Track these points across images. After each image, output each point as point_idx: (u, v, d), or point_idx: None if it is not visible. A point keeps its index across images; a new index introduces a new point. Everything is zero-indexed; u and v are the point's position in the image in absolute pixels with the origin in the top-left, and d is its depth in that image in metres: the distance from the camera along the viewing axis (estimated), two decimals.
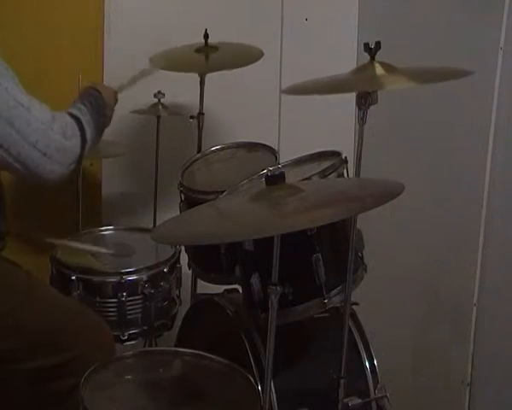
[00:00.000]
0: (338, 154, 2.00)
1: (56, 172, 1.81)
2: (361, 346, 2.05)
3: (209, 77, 2.47)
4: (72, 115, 1.88)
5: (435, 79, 1.89)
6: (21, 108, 1.75)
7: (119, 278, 2.18)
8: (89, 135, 1.89)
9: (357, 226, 1.85)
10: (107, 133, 2.62)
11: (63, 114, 1.87)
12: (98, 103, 1.99)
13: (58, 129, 1.80)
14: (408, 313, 2.63)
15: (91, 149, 1.94)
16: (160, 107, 2.52)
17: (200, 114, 2.51)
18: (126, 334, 2.20)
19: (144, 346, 2.31)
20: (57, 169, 1.81)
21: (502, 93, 2.23)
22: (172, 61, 2.41)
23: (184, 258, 2.30)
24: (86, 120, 1.91)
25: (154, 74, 2.38)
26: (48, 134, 1.78)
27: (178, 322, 2.30)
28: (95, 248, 2.30)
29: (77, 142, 1.85)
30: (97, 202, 2.71)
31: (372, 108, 1.79)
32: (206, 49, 2.41)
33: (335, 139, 2.39)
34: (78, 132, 1.86)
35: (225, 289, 2.20)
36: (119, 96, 2.16)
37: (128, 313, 2.19)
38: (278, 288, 1.60)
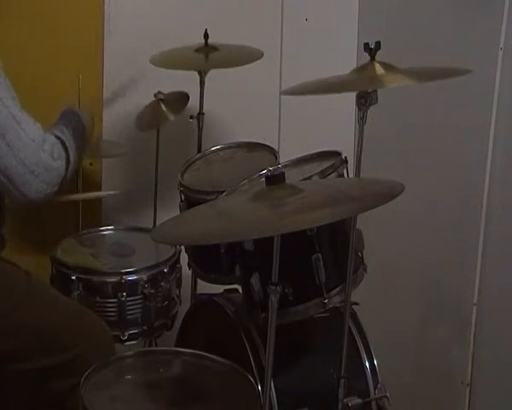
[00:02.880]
0: (338, 154, 2.00)
1: (42, 192, 1.78)
2: (361, 346, 2.05)
3: (209, 77, 2.47)
4: (57, 137, 1.86)
5: (435, 78, 1.90)
6: (13, 121, 1.73)
7: (119, 278, 2.18)
8: (72, 158, 1.87)
9: (357, 226, 1.85)
10: (108, 133, 2.64)
11: (50, 134, 1.84)
12: (78, 127, 1.98)
13: (47, 149, 1.78)
14: (408, 313, 2.63)
15: (71, 173, 1.92)
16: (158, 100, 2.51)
17: (200, 114, 2.51)
18: (126, 334, 2.20)
19: (144, 346, 2.30)
20: (43, 189, 1.78)
21: (502, 93, 2.23)
22: (172, 62, 2.41)
23: (184, 258, 2.29)
24: (70, 143, 1.89)
25: (153, 74, 2.39)
26: (37, 153, 1.76)
27: (178, 322, 2.30)
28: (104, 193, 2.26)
29: (62, 163, 1.82)
30: (97, 201, 2.71)
31: (372, 108, 1.79)
32: (206, 49, 2.41)
33: (335, 139, 2.39)
34: (63, 154, 1.84)
35: (225, 289, 2.20)
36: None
37: (128, 313, 2.19)
38: (278, 288, 1.60)
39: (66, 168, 1.84)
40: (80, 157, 1.99)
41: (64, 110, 2.04)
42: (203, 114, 2.51)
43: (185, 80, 2.47)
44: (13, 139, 1.73)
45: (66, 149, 1.85)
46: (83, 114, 2.06)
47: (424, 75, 1.85)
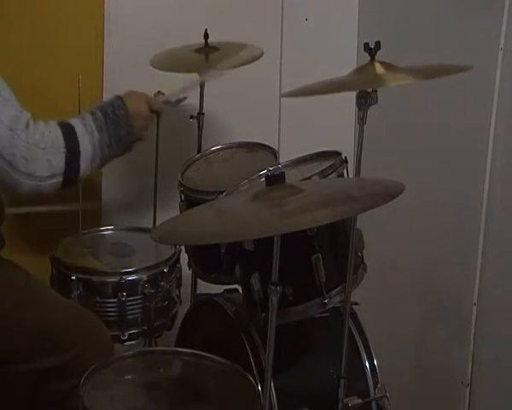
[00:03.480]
0: (338, 154, 2.00)
1: (26, 184, 1.73)
2: (361, 346, 2.06)
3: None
4: (63, 125, 1.81)
5: (435, 75, 1.90)
6: None
7: (119, 278, 2.18)
8: (87, 147, 1.82)
9: (357, 226, 1.85)
10: None
11: (49, 124, 1.79)
12: (116, 114, 1.92)
13: (28, 138, 1.72)
14: (408, 313, 2.63)
15: (103, 162, 1.87)
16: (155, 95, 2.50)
17: (200, 114, 2.51)
18: (126, 334, 2.20)
19: (144, 346, 2.30)
20: (27, 181, 1.73)
21: (502, 93, 2.23)
22: (172, 62, 2.41)
23: (184, 258, 2.29)
24: (88, 131, 1.84)
25: (153, 74, 2.39)
26: (14, 142, 1.70)
27: (178, 322, 2.30)
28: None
29: (56, 154, 1.76)
30: (97, 202, 2.71)
31: (372, 108, 1.79)
32: (206, 49, 2.41)
33: (335, 139, 2.39)
34: (62, 143, 1.78)
35: (225, 289, 2.20)
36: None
37: (128, 313, 2.19)
38: (278, 288, 1.60)
39: (71, 159, 1.78)
40: (121, 146, 1.92)
41: (113, 96, 1.97)
42: (203, 114, 2.51)
43: (185, 80, 2.46)
44: None
45: (71, 138, 1.79)
46: (131, 99, 1.98)
47: (424, 73, 1.86)
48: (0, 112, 1.70)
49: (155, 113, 2.12)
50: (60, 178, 1.80)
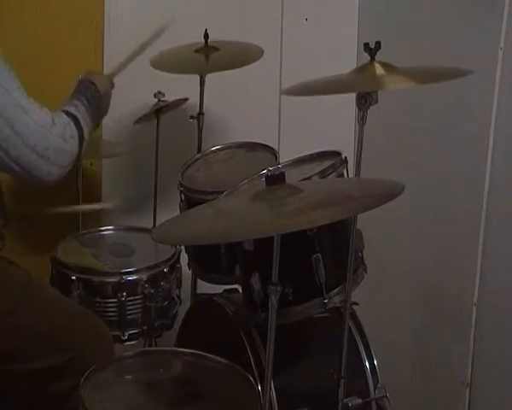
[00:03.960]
0: (338, 154, 2.00)
1: (54, 174, 1.82)
2: (361, 346, 2.05)
3: (209, 77, 2.47)
4: (68, 114, 1.88)
5: (435, 79, 1.90)
6: (21, 111, 1.76)
7: (119, 278, 2.18)
8: (86, 133, 1.90)
9: (357, 226, 1.85)
10: (107, 133, 2.64)
11: (61, 115, 1.87)
12: (94, 96, 2.00)
13: (57, 132, 1.81)
14: (408, 313, 2.63)
15: (86, 146, 1.95)
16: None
17: (200, 114, 2.51)
18: (126, 334, 2.20)
19: (144, 346, 2.30)
20: (55, 171, 1.81)
21: (502, 93, 2.22)
22: (172, 62, 2.41)
23: (184, 258, 2.29)
24: (83, 117, 1.91)
25: (153, 74, 2.39)
26: (47, 137, 1.79)
27: (178, 322, 2.30)
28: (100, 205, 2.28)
29: (75, 142, 1.85)
30: (97, 201, 2.71)
31: (372, 108, 1.79)
32: (206, 49, 2.41)
33: (335, 139, 2.39)
34: (75, 133, 1.87)
35: (225, 289, 2.20)
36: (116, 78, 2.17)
37: (128, 313, 2.19)
38: (278, 288, 1.60)
39: (80, 145, 1.87)
40: (96, 126, 2.02)
41: (80, 79, 2.06)
42: (203, 114, 2.51)
43: (185, 80, 2.47)
44: (22, 128, 1.75)
45: (79, 126, 1.88)
46: (100, 80, 2.07)
47: (425, 77, 1.85)
48: (29, 110, 1.77)
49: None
50: (72, 165, 1.88)
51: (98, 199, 2.72)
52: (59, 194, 2.38)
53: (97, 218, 2.69)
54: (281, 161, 2.15)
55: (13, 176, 1.86)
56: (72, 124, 1.87)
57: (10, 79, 1.77)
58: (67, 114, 1.89)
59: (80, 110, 1.93)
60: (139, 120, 2.51)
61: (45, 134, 1.79)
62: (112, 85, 2.15)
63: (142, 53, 2.28)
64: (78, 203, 2.56)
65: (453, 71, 1.84)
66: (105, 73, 2.43)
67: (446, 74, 1.87)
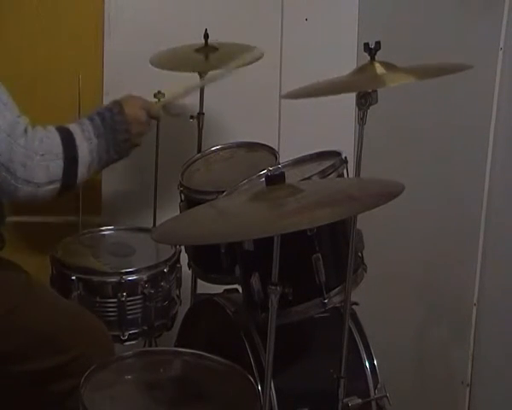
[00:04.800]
0: (338, 154, 2.00)
1: (24, 191, 1.72)
2: (361, 346, 2.06)
3: None
4: (62, 131, 1.79)
5: (435, 75, 1.90)
6: None
7: (119, 278, 2.18)
8: (85, 154, 1.80)
9: (357, 226, 1.85)
10: None
11: (47, 129, 1.78)
12: (114, 119, 1.89)
13: (27, 144, 1.70)
14: (408, 313, 2.63)
15: (100, 168, 1.85)
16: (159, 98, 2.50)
17: (200, 114, 2.51)
18: (126, 334, 2.20)
19: (144, 346, 2.30)
20: (24, 187, 1.71)
21: (502, 93, 2.22)
22: (172, 61, 2.41)
23: (184, 258, 2.30)
24: (86, 137, 1.82)
25: (153, 74, 2.39)
26: (12, 148, 1.68)
27: (178, 322, 2.30)
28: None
29: (56, 161, 1.75)
30: (97, 202, 2.71)
31: (372, 108, 1.79)
32: (206, 49, 2.41)
33: (335, 139, 2.39)
34: (60, 151, 1.76)
35: (225, 289, 2.20)
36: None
37: (128, 313, 2.19)
38: (278, 288, 1.60)
39: (69, 166, 1.76)
40: (118, 151, 1.90)
41: (111, 101, 1.94)
42: (203, 114, 2.51)
43: (185, 80, 2.47)
44: None
45: (70, 145, 1.77)
46: (130, 104, 1.95)
47: (425, 73, 1.85)
48: None
49: (154, 119, 2.09)
50: (57, 185, 1.79)
51: (98, 199, 2.72)
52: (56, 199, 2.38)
53: (97, 218, 2.69)
54: (281, 161, 2.15)
55: None
56: (56, 141, 1.76)
57: None
58: (60, 128, 1.79)
59: (85, 129, 1.83)
60: None
61: (11, 144, 1.68)
62: (151, 113, 2.01)
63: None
64: (78, 203, 2.55)
65: (453, 66, 1.84)
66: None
67: (446, 69, 1.87)
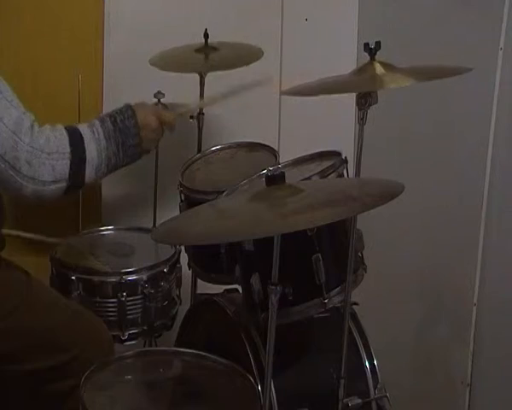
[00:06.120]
0: (338, 154, 2.00)
1: (30, 188, 1.72)
2: (361, 346, 2.05)
3: (209, 77, 2.47)
4: (71, 131, 1.79)
5: (435, 77, 1.90)
6: None
7: (119, 278, 2.18)
8: (93, 155, 1.80)
9: (357, 226, 1.85)
10: None
11: (56, 128, 1.78)
12: (125, 123, 1.89)
13: (32, 142, 1.70)
14: (408, 313, 2.63)
15: (108, 170, 1.85)
16: (160, 107, 2.51)
17: (200, 114, 2.51)
18: (126, 334, 2.20)
19: (144, 346, 2.30)
20: (30, 185, 1.72)
21: (502, 93, 2.23)
22: (172, 61, 2.41)
23: (184, 258, 2.29)
24: (96, 138, 1.82)
25: (153, 74, 2.39)
26: (17, 146, 1.69)
27: (178, 322, 2.30)
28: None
29: (62, 159, 1.75)
30: (97, 202, 2.71)
31: (372, 108, 1.79)
32: (206, 49, 2.41)
33: (335, 139, 2.39)
34: (66, 149, 1.76)
35: (225, 289, 2.20)
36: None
37: (128, 313, 2.19)
38: (278, 288, 1.60)
39: (77, 165, 1.76)
40: (127, 155, 1.89)
41: (125, 104, 1.94)
42: (203, 114, 2.51)
43: (185, 80, 2.47)
44: None
45: (78, 144, 1.77)
46: (142, 110, 1.95)
47: (424, 74, 1.85)
48: (2, 114, 1.69)
49: (167, 126, 2.07)
50: (63, 184, 1.78)
51: (98, 199, 2.72)
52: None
53: (97, 218, 2.69)
54: (281, 161, 2.15)
55: None
56: (65, 139, 1.76)
57: None
58: (69, 128, 1.79)
59: (95, 130, 1.82)
60: None
61: (16, 142, 1.68)
62: (164, 122, 2.01)
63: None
64: (78, 203, 2.56)
65: (452, 68, 1.84)
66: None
67: (446, 72, 1.87)
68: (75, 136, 1.80)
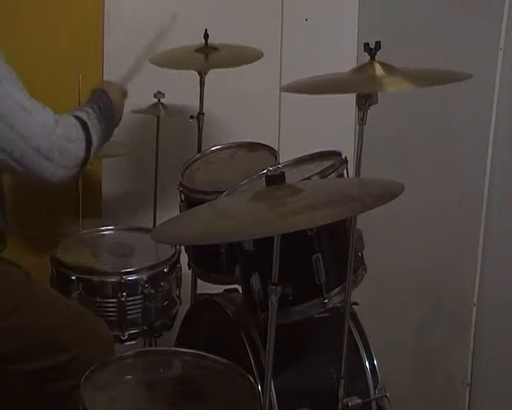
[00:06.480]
0: (338, 154, 2.00)
1: (59, 175, 1.81)
2: (361, 346, 2.05)
3: (209, 77, 2.47)
4: (77, 118, 1.87)
5: (434, 82, 1.90)
6: (24, 112, 1.75)
7: (119, 278, 2.18)
8: (95, 138, 1.88)
9: (357, 226, 1.85)
10: None
11: (68, 117, 1.86)
12: (106, 107, 1.98)
13: (61, 132, 1.80)
14: (408, 313, 2.63)
15: (97, 152, 1.93)
16: (160, 107, 2.52)
17: (200, 114, 2.51)
18: (126, 334, 2.20)
19: (144, 346, 2.31)
20: (60, 172, 1.80)
21: (502, 93, 2.22)
22: (172, 61, 2.41)
23: (184, 258, 2.29)
24: (93, 123, 1.90)
25: (153, 74, 2.39)
26: (50, 138, 1.78)
27: (178, 322, 2.30)
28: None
29: (81, 145, 1.84)
30: (97, 202, 2.71)
31: (372, 108, 1.79)
32: (206, 49, 2.41)
33: (335, 139, 2.39)
34: (82, 136, 1.85)
35: (225, 289, 2.20)
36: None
37: (128, 313, 2.19)
38: (278, 288, 1.60)
39: (87, 149, 1.85)
40: (108, 136, 1.99)
41: (93, 89, 2.04)
42: (203, 114, 2.51)
43: (185, 80, 2.47)
44: (25, 130, 1.74)
45: (87, 130, 1.86)
46: (113, 91, 2.05)
47: (424, 80, 1.85)
48: (31, 111, 1.76)
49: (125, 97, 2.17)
50: (78, 168, 1.86)
51: (98, 199, 2.72)
52: (59, 194, 2.39)
53: (97, 218, 2.69)
54: (281, 161, 2.15)
55: (18, 177, 1.85)
56: (78, 126, 1.85)
57: (12, 80, 1.76)
58: (76, 117, 1.88)
59: (91, 117, 1.91)
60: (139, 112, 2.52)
61: (49, 135, 1.78)
62: (124, 95, 2.13)
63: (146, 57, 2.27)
64: (78, 203, 2.56)
65: (452, 75, 1.83)
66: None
67: (445, 78, 1.87)
68: (82, 122, 1.88)
